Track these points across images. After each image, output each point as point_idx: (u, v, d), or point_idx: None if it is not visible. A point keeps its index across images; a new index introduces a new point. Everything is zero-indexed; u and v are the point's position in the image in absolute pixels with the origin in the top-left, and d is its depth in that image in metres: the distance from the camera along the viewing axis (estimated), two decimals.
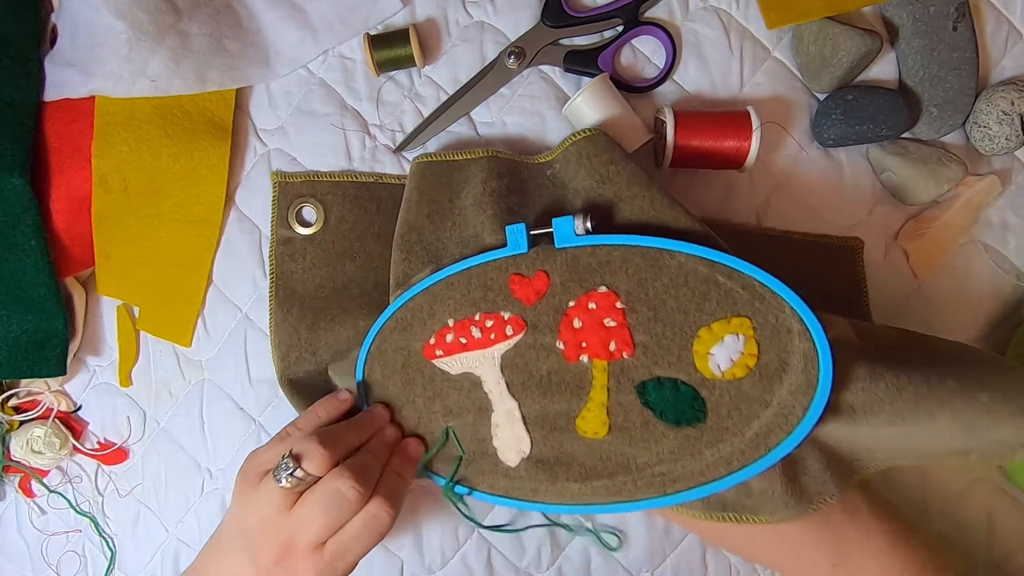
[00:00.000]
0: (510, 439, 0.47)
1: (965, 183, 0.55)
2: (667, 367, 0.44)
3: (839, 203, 0.57)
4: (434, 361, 0.48)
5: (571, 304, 0.46)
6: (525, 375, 0.46)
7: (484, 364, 0.47)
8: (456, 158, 0.51)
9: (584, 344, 0.45)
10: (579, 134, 0.49)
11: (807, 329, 0.42)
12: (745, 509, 0.44)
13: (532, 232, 0.46)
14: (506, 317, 0.47)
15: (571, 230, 0.45)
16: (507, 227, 0.47)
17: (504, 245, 0.47)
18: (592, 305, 0.45)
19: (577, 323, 0.45)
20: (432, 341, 0.49)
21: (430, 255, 0.50)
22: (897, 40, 0.56)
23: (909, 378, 0.42)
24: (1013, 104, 0.53)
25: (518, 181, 0.50)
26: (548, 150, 0.53)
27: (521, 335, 0.46)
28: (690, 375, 0.43)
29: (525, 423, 0.46)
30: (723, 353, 0.43)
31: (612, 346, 0.45)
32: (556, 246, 0.46)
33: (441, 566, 0.57)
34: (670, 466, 0.44)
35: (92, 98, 0.54)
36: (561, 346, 0.46)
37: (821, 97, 0.56)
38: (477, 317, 0.47)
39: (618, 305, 0.45)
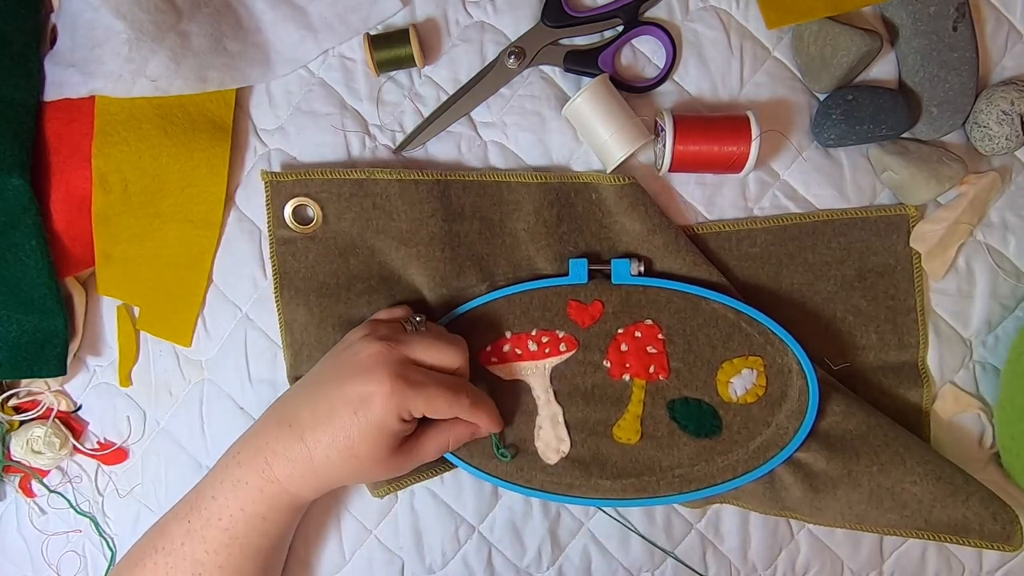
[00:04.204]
0: (552, 440, 0.54)
1: (968, 180, 0.55)
2: (694, 390, 0.54)
3: (840, 202, 0.57)
4: (488, 367, 0.55)
5: (620, 331, 0.54)
6: (572, 386, 0.54)
7: (536, 374, 0.55)
8: (508, 179, 0.55)
9: (628, 365, 0.54)
10: (628, 178, 0.53)
11: (803, 370, 0.52)
12: (730, 497, 0.55)
13: (592, 267, 0.54)
14: (560, 335, 0.55)
15: (627, 271, 0.54)
16: (571, 260, 0.54)
17: (561, 273, 0.55)
18: (638, 334, 0.54)
19: (624, 347, 0.54)
20: (488, 349, 0.55)
21: (483, 270, 0.55)
22: (897, 40, 0.56)
23: (877, 421, 0.52)
24: (1013, 104, 0.53)
25: (567, 207, 0.55)
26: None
27: (573, 352, 0.54)
28: (712, 398, 0.54)
29: (567, 427, 0.54)
30: (740, 383, 0.54)
31: (651, 369, 0.54)
32: (612, 282, 0.54)
33: (442, 566, 0.57)
34: (688, 469, 0.54)
35: (92, 98, 0.54)
36: (607, 364, 0.54)
37: (821, 97, 0.56)
38: (534, 332, 0.54)
39: (659, 336, 0.54)
